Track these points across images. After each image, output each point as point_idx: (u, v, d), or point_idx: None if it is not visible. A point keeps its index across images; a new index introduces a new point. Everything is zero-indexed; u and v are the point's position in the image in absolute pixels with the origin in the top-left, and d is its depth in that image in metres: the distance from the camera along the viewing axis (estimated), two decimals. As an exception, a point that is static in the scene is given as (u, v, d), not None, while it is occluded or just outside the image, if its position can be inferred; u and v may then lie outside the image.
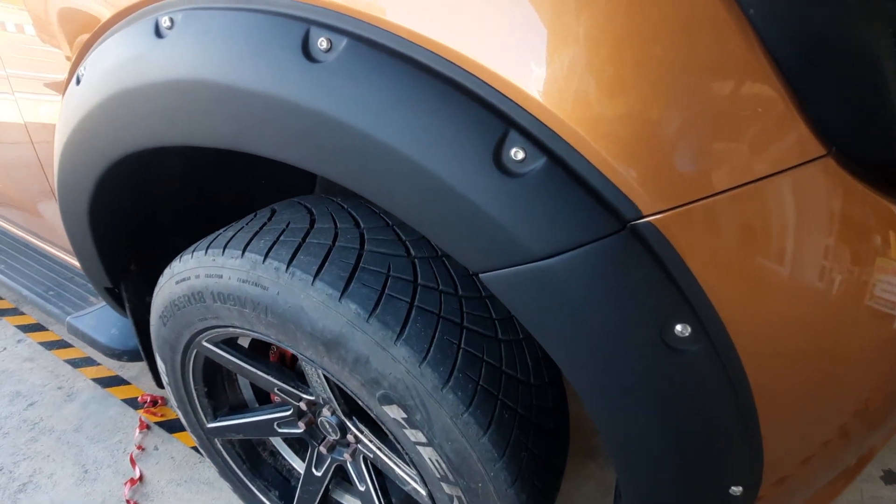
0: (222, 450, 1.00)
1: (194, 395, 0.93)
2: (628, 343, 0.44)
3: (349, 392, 0.66)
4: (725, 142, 0.40)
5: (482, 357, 0.62)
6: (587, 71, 0.39)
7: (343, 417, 0.80)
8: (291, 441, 1.05)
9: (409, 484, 0.73)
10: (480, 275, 0.47)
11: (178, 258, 0.76)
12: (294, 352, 0.68)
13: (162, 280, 0.79)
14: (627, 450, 0.51)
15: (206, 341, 0.81)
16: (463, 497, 0.63)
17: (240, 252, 0.66)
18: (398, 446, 0.67)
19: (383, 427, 0.67)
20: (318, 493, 0.93)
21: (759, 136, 0.40)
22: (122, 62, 0.58)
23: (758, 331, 0.44)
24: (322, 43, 0.45)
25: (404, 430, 0.62)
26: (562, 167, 0.41)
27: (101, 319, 1.16)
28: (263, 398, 1.04)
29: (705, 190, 0.40)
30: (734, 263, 0.42)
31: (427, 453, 0.62)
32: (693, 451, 0.49)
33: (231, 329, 0.74)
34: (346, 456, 0.87)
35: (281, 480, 1.03)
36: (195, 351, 0.84)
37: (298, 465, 1.04)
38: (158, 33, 0.54)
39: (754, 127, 0.39)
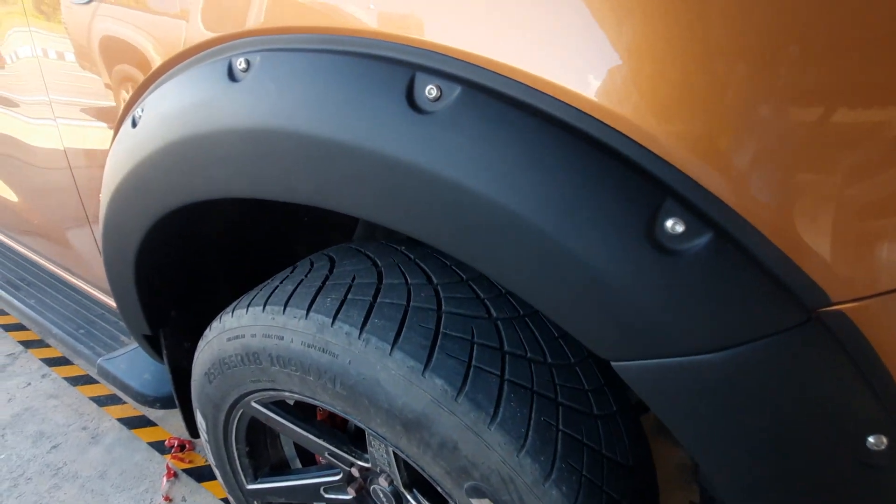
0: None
1: (235, 454, 0.85)
2: (813, 454, 0.36)
3: (426, 475, 0.58)
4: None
5: (582, 440, 0.54)
6: (774, 137, 0.32)
7: (403, 490, 0.72)
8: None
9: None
10: (614, 363, 0.40)
11: (229, 312, 0.69)
12: (365, 428, 0.60)
13: (209, 334, 0.72)
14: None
15: (255, 402, 0.73)
16: None
17: (304, 312, 0.59)
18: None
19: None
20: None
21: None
22: (188, 106, 0.53)
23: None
24: (430, 91, 0.39)
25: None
26: (731, 244, 0.34)
27: (134, 363, 1.09)
28: (306, 457, 0.96)
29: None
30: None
31: None
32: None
33: (288, 394, 0.67)
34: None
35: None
36: (241, 411, 0.77)
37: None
38: (232, 76, 0.49)
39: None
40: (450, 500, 0.58)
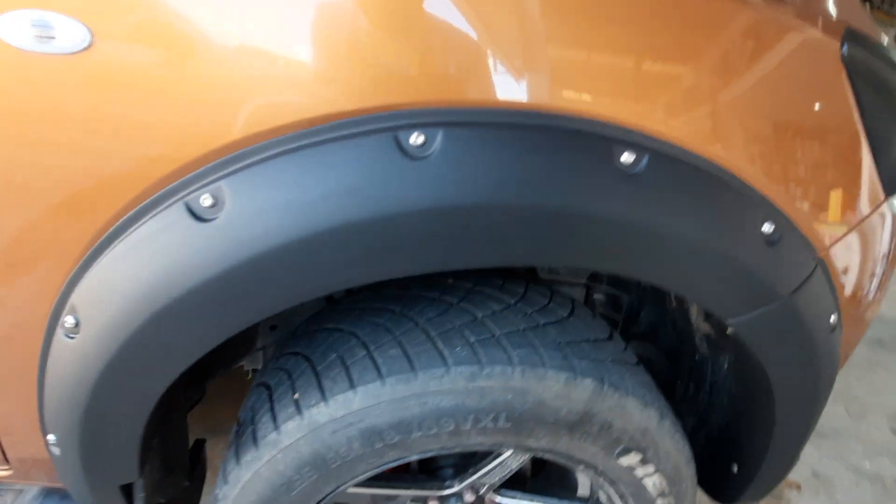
0: None
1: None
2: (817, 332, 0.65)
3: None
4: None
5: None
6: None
7: (485, 496, 0.79)
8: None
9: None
10: (731, 320, 0.60)
11: (314, 406, 0.60)
12: (505, 449, 0.66)
13: (281, 441, 0.61)
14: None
15: (353, 486, 0.67)
16: (672, 502, 0.75)
17: (443, 368, 0.59)
18: (607, 492, 0.73)
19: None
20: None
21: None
22: (336, 188, 0.45)
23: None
24: (628, 157, 0.49)
25: (634, 472, 0.69)
26: (791, 233, 0.58)
27: None
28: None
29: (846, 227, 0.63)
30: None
31: (651, 480, 0.71)
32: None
33: (416, 456, 0.64)
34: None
35: None
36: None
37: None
38: (404, 152, 0.45)
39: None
40: (595, 473, 0.70)
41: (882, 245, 0.72)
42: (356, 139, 0.45)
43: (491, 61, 0.46)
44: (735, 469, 0.85)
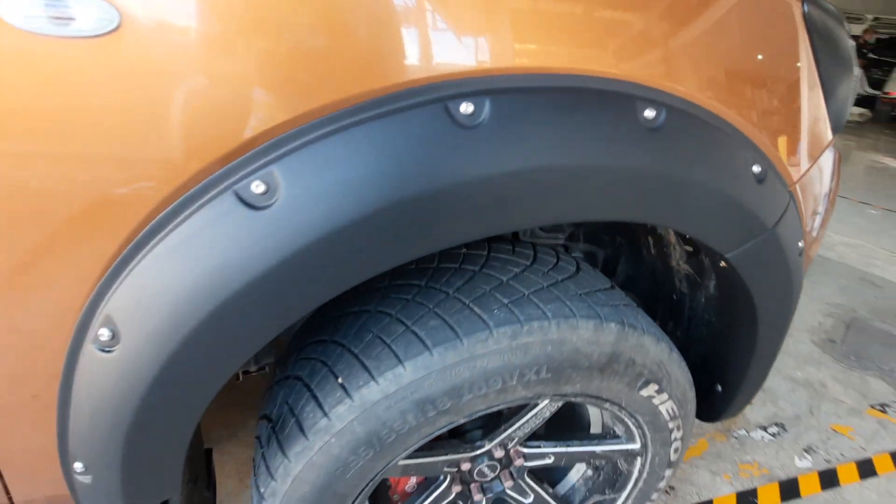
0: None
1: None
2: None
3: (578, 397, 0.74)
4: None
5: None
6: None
7: (516, 453, 0.84)
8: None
9: (617, 446, 0.86)
10: (728, 255, 0.67)
11: (363, 386, 0.60)
12: (542, 399, 0.70)
13: (334, 426, 0.61)
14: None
15: (404, 459, 0.68)
16: (680, 423, 0.83)
17: (486, 331, 0.62)
18: (625, 422, 0.80)
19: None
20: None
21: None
22: (401, 160, 0.45)
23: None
24: (650, 113, 0.53)
25: (653, 401, 0.77)
26: (772, 171, 0.66)
27: None
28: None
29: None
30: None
31: (665, 407, 0.79)
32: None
33: (464, 419, 0.67)
34: (507, 483, 0.90)
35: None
36: (376, 481, 0.69)
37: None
38: (458, 122, 0.46)
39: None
40: (619, 409, 0.77)
41: (829, 177, 0.84)
42: (409, 111, 0.45)
43: (526, 30, 0.48)
44: (719, 389, 0.96)
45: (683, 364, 0.80)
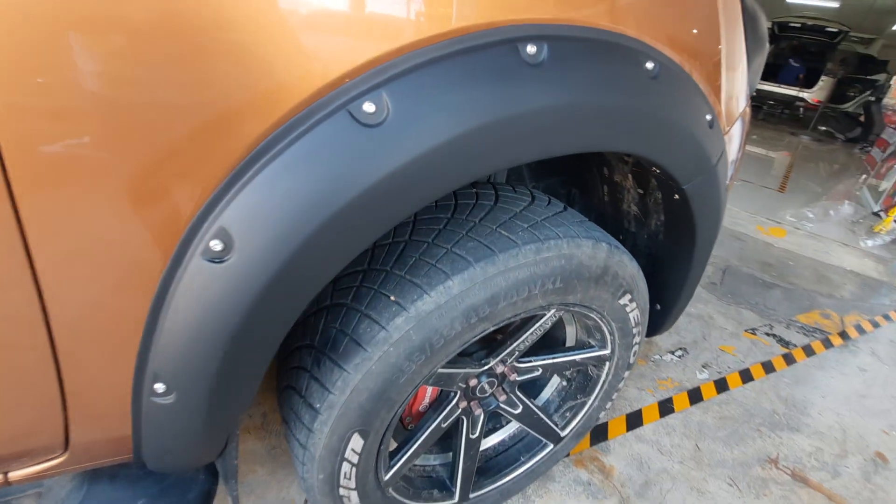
0: (393, 493, 0.93)
1: (381, 452, 0.83)
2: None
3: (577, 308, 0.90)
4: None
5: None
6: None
7: (510, 369, 0.98)
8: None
9: (591, 353, 1.04)
10: (685, 186, 0.86)
11: (416, 301, 0.69)
12: (552, 310, 0.84)
13: (391, 335, 0.69)
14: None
15: (442, 367, 0.78)
16: (641, 329, 1.04)
17: (516, 247, 0.74)
18: (601, 329, 0.98)
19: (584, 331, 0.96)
20: (478, 449, 1.06)
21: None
22: (476, 94, 0.54)
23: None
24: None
25: (626, 308, 0.95)
26: (716, 121, 0.85)
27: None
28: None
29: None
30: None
31: (633, 314, 0.98)
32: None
33: (498, 325, 0.78)
34: (501, 397, 1.05)
35: (437, 480, 1.06)
36: (413, 390, 0.78)
37: (441, 457, 1.09)
38: (524, 61, 0.56)
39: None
40: (601, 318, 0.94)
41: (742, 132, 1.08)
42: (487, 49, 0.54)
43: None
44: (658, 307, 1.19)
45: (645, 280, 1.00)
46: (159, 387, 0.58)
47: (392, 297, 0.71)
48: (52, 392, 0.56)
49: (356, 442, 0.76)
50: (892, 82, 7.52)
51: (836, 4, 12.44)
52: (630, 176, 1.07)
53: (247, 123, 0.48)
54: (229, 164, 0.49)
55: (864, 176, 5.50)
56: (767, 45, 1.02)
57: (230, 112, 0.47)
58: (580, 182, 1.25)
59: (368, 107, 0.50)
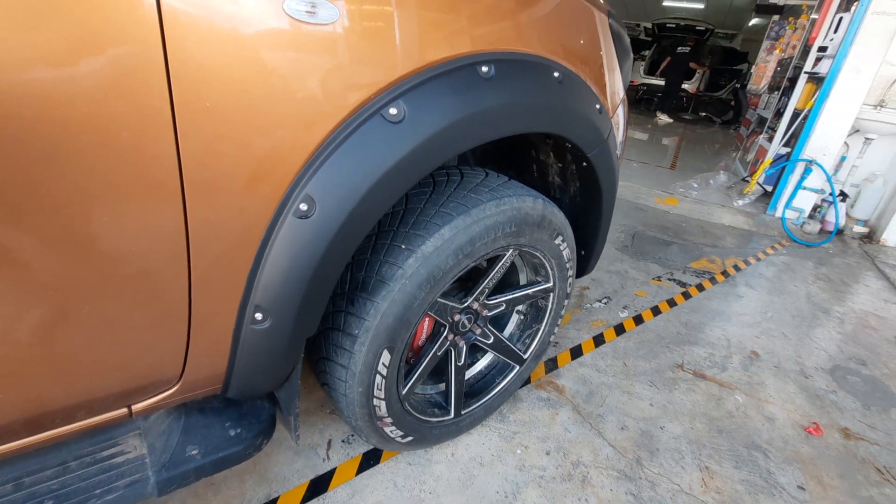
0: (408, 407, 1.21)
1: (400, 368, 1.12)
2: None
3: (532, 252, 1.25)
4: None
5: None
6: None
7: (482, 306, 1.31)
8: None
9: (539, 287, 1.39)
10: (589, 154, 1.24)
11: (427, 241, 0.99)
12: (510, 250, 1.18)
13: (411, 264, 0.98)
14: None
15: (440, 298, 1.08)
16: (572, 264, 1.40)
17: (497, 201, 1.06)
18: (545, 266, 1.33)
19: (534, 267, 1.31)
20: (464, 375, 1.37)
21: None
22: (456, 99, 0.85)
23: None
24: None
25: (560, 247, 1.31)
26: (604, 108, 1.24)
27: (206, 435, 0.91)
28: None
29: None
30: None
31: (566, 252, 1.34)
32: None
33: (478, 262, 1.09)
34: (477, 331, 1.37)
35: (436, 402, 1.35)
36: (422, 318, 1.07)
37: (437, 387, 1.38)
38: (481, 78, 0.88)
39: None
40: (543, 256, 1.28)
41: (624, 116, 1.49)
42: (458, 71, 0.86)
43: (503, 31, 0.92)
44: (583, 253, 1.58)
45: (570, 227, 1.36)
46: (258, 315, 0.83)
47: (403, 246, 1.00)
48: (183, 328, 0.79)
49: (385, 357, 1.04)
50: (752, 70, 8.91)
51: (701, 6, 14.27)
52: (551, 153, 1.44)
53: (321, 125, 0.76)
54: (310, 150, 0.76)
55: (737, 151, 6.51)
56: (632, 54, 1.44)
57: (312, 118, 0.75)
58: (515, 164, 1.61)
59: (393, 111, 0.80)
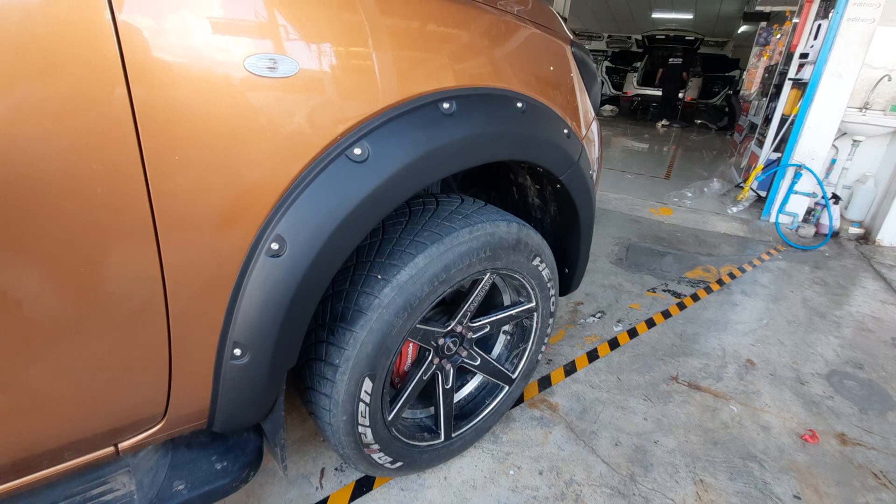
0: (396, 432, 1.23)
1: (384, 395, 1.14)
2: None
3: (510, 274, 1.28)
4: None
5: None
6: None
7: (466, 329, 1.34)
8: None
9: (522, 307, 1.42)
10: (561, 177, 1.28)
11: (402, 270, 1.03)
12: (487, 273, 1.21)
13: (384, 299, 1.02)
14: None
15: (419, 323, 1.11)
16: (554, 283, 1.43)
17: (469, 229, 1.10)
18: (525, 287, 1.36)
19: (516, 289, 1.34)
20: (453, 398, 1.39)
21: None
22: (420, 135, 0.90)
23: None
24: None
25: (539, 268, 1.34)
26: (573, 132, 1.28)
27: (193, 469, 0.93)
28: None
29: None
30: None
31: (545, 272, 1.37)
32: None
33: (455, 288, 1.13)
34: (463, 353, 1.39)
35: (426, 426, 1.37)
36: (405, 342, 1.10)
37: (426, 411, 1.40)
38: (442, 114, 0.93)
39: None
40: (523, 277, 1.31)
41: (597, 136, 1.53)
42: (420, 109, 0.91)
43: (478, 69, 0.98)
44: (567, 271, 1.61)
45: (549, 247, 1.40)
46: (237, 351, 0.86)
47: (379, 276, 1.04)
48: (164, 366, 0.83)
49: (367, 384, 1.07)
50: (744, 77, 9.02)
51: (690, 16, 14.49)
52: (528, 176, 1.48)
53: (288, 168, 0.80)
54: (279, 192, 0.81)
55: (732, 157, 6.55)
56: (598, 77, 1.49)
57: (280, 162, 0.79)
58: (495, 188, 1.65)
59: (357, 150, 0.84)
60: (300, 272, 0.83)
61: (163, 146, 0.69)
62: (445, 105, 0.94)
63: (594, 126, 1.52)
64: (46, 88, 0.60)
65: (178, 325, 0.81)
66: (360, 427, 1.12)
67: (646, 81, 11.97)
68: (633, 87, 11.91)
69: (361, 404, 1.09)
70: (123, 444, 0.88)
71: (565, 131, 1.24)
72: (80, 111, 0.62)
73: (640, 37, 13.57)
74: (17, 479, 0.78)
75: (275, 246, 0.81)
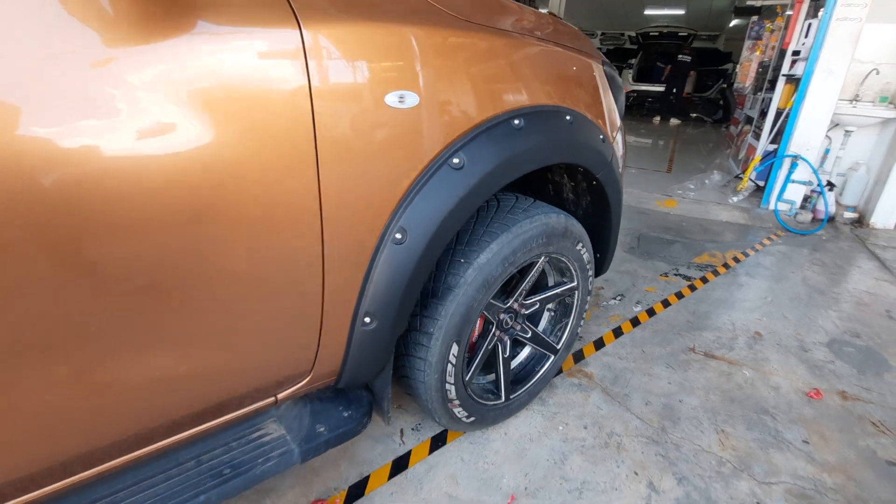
0: (470, 392, 1.48)
1: (464, 359, 1.39)
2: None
3: (559, 258, 1.53)
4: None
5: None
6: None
7: (520, 306, 1.59)
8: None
9: (566, 286, 1.67)
10: (598, 175, 1.53)
11: (481, 254, 1.28)
12: (542, 257, 1.46)
13: (468, 277, 1.27)
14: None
15: (492, 299, 1.36)
16: (592, 265, 1.68)
17: (542, 214, 1.35)
18: (570, 269, 1.61)
19: (562, 270, 1.59)
20: (510, 365, 1.64)
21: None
22: (504, 142, 1.15)
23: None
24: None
25: (581, 252, 1.59)
26: (607, 138, 1.54)
27: (327, 416, 1.18)
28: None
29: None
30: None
31: (586, 255, 1.62)
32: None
33: (517, 267, 1.38)
34: (517, 327, 1.64)
35: (489, 389, 1.62)
36: (480, 313, 1.35)
37: (487, 378, 1.65)
38: (515, 129, 1.18)
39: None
40: (568, 260, 1.56)
41: (622, 140, 1.79)
42: (502, 125, 1.16)
43: (543, 90, 1.23)
44: (598, 255, 1.86)
45: (587, 235, 1.65)
46: (367, 319, 1.11)
47: (462, 260, 1.29)
48: (316, 331, 1.08)
49: (455, 348, 1.32)
50: (737, 69, 9.27)
51: (682, 11, 14.75)
52: (565, 175, 1.73)
53: (409, 173, 1.05)
54: (402, 193, 1.05)
55: (729, 149, 6.81)
56: (624, 89, 1.75)
57: (404, 170, 1.04)
58: (533, 186, 1.90)
59: (456, 160, 1.10)
60: (417, 256, 1.08)
61: (330, 160, 0.94)
62: (516, 121, 1.19)
63: (620, 130, 1.77)
64: (269, 124, 0.85)
65: (330, 299, 1.05)
66: (447, 385, 1.37)
67: (640, 78, 12.23)
68: (628, 84, 12.16)
69: (449, 365, 1.33)
70: (281, 395, 1.13)
71: (601, 136, 1.49)
72: (281, 137, 0.88)
73: (633, 34, 13.84)
74: (213, 420, 1.03)
75: (399, 236, 1.06)
